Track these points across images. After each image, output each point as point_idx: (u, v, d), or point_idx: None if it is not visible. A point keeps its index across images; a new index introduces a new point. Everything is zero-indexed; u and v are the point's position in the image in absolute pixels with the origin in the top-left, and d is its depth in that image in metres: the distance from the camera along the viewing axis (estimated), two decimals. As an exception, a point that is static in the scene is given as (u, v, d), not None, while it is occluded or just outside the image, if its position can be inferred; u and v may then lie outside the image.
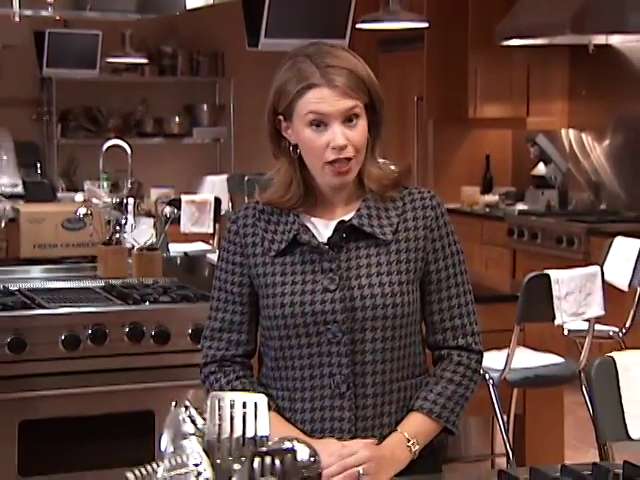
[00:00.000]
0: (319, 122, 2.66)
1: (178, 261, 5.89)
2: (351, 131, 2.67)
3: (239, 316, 2.82)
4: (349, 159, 2.67)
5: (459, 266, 2.82)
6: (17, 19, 4.52)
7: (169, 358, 4.80)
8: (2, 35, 6.97)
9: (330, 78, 2.64)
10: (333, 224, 2.75)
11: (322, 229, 2.76)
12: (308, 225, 2.76)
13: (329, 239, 2.74)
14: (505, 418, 4.96)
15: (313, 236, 2.74)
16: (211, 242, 6.54)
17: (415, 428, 2.74)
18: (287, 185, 2.75)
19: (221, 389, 2.75)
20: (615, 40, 8.51)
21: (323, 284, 2.71)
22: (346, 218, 2.75)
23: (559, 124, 9.39)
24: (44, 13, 4.43)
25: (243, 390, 2.72)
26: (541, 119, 9.38)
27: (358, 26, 6.10)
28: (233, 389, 2.74)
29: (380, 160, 2.79)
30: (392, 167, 2.82)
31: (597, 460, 2.81)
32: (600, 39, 8.40)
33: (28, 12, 4.36)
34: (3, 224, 5.87)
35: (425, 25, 7.47)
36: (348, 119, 2.66)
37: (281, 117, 2.72)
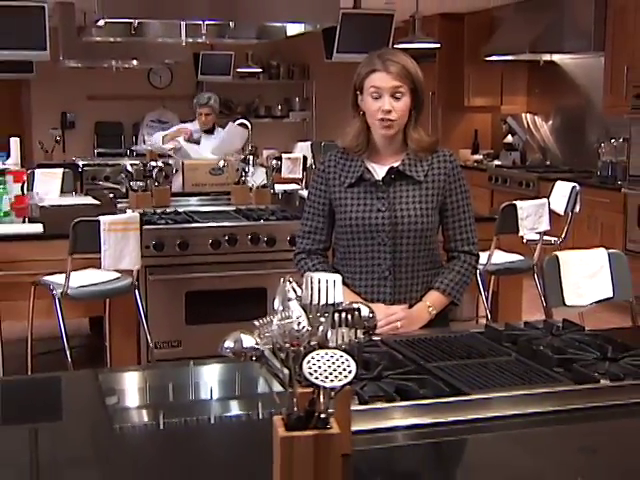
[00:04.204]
0: (376, 94, 2.62)
1: (280, 195, 5.85)
2: (396, 102, 2.62)
3: (321, 224, 2.80)
4: (391, 120, 2.63)
5: (466, 199, 2.77)
6: (183, 44, 4.46)
7: (275, 255, 4.83)
8: (174, 55, 6.90)
9: (386, 66, 2.61)
10: (385, 168, 2.71)
11: (378, 171, 2.72)
12: (369, 168, 2.73)
13: (383, 178, 2.70)
14: (485, 294, 4.95)
15: (372, 175, 2.71)
16: (300, 184, 6.46)
17: (433, 300, 2.73)
18: (357, 136, 2.72)
19: (308, 270, 2.75)
20: (556, 57, 8.37)
21: (377, 207, 2.68)
22: (395, 165, 2.71)
23: (521, 110, 9.22)
24: (199, 40, 4.35)
25: (323, 271, 2.71)
26: (510, 107, 9.23)
27: (395, 46, 5.99)
28: (317, 270, 2.74)
29: (422, 132, 2.72)
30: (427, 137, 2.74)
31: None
32: (547, 57, 8.33)
33: (190, 40, 4.30)
34: (174, 171, 5.87)
35: (437, 46, 7.34)
36: (395, 94, 2.62)
37: (358, 92, 2.69)
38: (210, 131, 6.74)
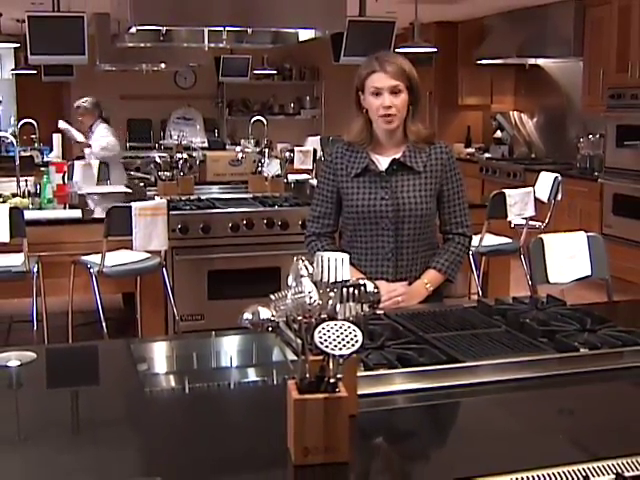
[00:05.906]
0: (377, 92, 2.60)
1: (292, 184, 5.83)
2: (395, 99, 2.59)
3: (330, 210, 2.77)
4: (392, 115, 2.60)
5: (460, 187, 2.74)
6: (206, 49, 4.44)
7: (288, 237, 4.81)
8: (198, 58, 6.86)
9: (384, 67, 2.58)
10: (388, 160, 2.68)
11: (382, 162, 2.69)
12: (373, 159, 2.70)
13: (386, 169, 2.67)
14: (477, 273, 4.93)
15: (376, 166, 2.68)
16: (311, 174, 6.43)
17: (431, 278, 2.70)
18: (361, 131, 2.69)
19: (317, 251, 2.72)
20: (540, 62, 8.30)
21: (381, 195, 2.66)
22: (396, 156, 2.67)
23: (509, 108, 9.14)
24: (220, 45, 4.31)
25: (332, 251, 2.67)
26: (499, 105, 9.15)
27: (396, 50, 5.93)
28: (326, 250, 2.68)
29: (420, 125, 2.70)
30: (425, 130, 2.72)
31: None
32: (532, 61, 8.26)
33: (212, 45, 4.26)
34: (198, 162, 5.85)
35: (434, 50, 7.28)
36: (394, 92, 2.59)
37: (360, 92, 2.65)
38: (90, 130, 6.77)
